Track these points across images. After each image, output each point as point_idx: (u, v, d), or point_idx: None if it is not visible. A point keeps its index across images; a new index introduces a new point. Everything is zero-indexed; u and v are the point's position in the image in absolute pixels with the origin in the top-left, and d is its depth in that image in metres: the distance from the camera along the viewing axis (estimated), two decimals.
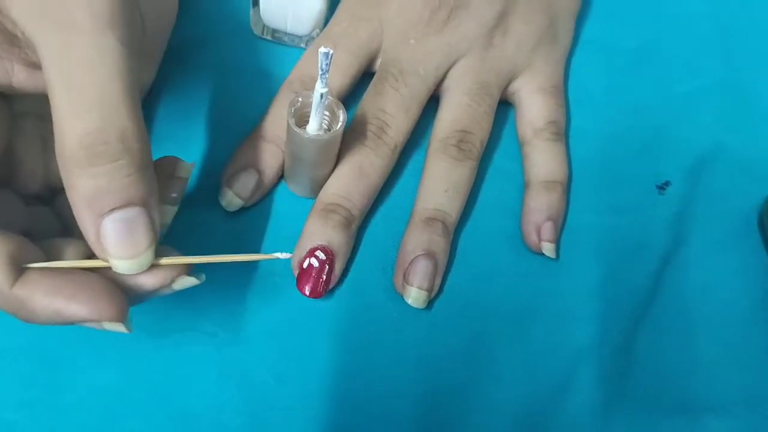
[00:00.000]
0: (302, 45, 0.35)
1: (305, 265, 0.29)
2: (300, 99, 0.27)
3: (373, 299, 0.31)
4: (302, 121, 0.27)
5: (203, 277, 0.24)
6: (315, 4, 0.33)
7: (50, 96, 0.20)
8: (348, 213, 0.30)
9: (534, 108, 0.35)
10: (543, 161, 0.34)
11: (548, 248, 0.32)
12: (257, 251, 0.31)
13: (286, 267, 0.31)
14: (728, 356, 0.32)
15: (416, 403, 0.30)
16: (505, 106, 0.36)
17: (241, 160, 0.31)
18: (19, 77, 0.23)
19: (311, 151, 0.28)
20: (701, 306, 0.33)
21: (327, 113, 0.28)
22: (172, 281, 0.23)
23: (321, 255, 0.29)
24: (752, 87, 0.40)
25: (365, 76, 0.34)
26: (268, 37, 0.35)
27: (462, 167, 0.32)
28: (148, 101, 0.33)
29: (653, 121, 0.38)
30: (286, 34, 0.35)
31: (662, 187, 0.36)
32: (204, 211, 0.31)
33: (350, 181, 0.31)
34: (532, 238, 0.33)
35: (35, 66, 0.23)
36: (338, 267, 0.30)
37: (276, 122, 0.31)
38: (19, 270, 0.21)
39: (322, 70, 0.25)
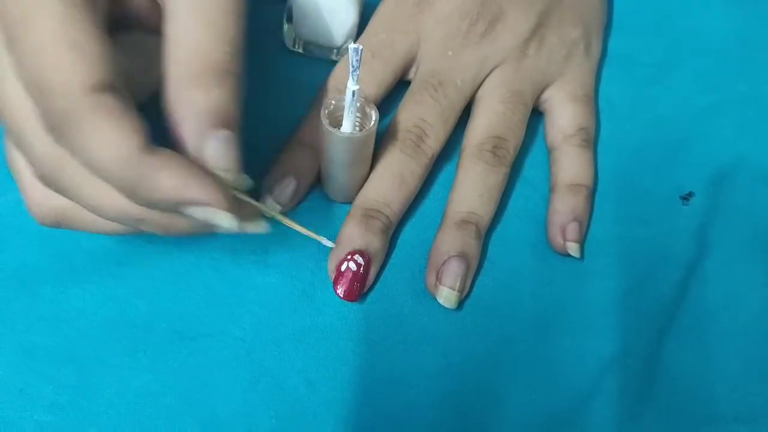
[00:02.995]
0: (334, 57, 0.36)
1: (343, 268, 0.30)
2: (333, 102, 0.28)
3: (401, 304, 0.31)
4: (336, 123, 0.28)
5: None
6: (348, 17, 0.34)
7: (177, 23, 0.22)
8: (387, 219, 0.31)
9: (565, 115, 0.35)
10: (570, 165, 0.34)
11: (573, 248, 0.32)
12: (292, 250, 0.31)
13: (315, 272, 0.31)
14: (754, 367, 0.32)
15: (443, 408, 0.29)
16: (531, 116, 0.36)
17: (280, 168, 0.32)
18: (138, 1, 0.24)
19: (345, 151, 0.28)
20: (726, 316, 0.33)
21: (359, 114, 0.28)
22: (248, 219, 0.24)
23: (359, 259, 0.30)
24: None
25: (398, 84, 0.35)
26: (301, 50, 0.36)
27: (496, 173, 0.32)
28: None
29: (675, 133, 0.38)
30: (318, 46, 0.35)
31: (686, 198, 0.35)
32: None
33: (390, 188, 0.31)
34: (558, 239, 0.33)
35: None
36: (373, 271, 0.30)
37: (311, 128, 0.32)
38: (149, 144, 0.21)
39: (353, 67, 0.25)
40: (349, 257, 0.30)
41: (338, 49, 0.35)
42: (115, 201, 0.22)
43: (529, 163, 0.36)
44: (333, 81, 0.33)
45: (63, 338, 0.29)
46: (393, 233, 0.32)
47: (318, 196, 0.33)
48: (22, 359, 0.28)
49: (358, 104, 0.27)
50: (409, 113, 0.32)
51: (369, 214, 0.30)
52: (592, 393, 0.30)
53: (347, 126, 0.27)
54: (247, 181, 0.25)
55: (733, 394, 0.31)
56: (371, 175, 0.31)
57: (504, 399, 0.30)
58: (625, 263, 0.33)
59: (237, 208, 0.23)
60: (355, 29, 0.35)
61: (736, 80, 0.40)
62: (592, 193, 0.34)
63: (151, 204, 0.22)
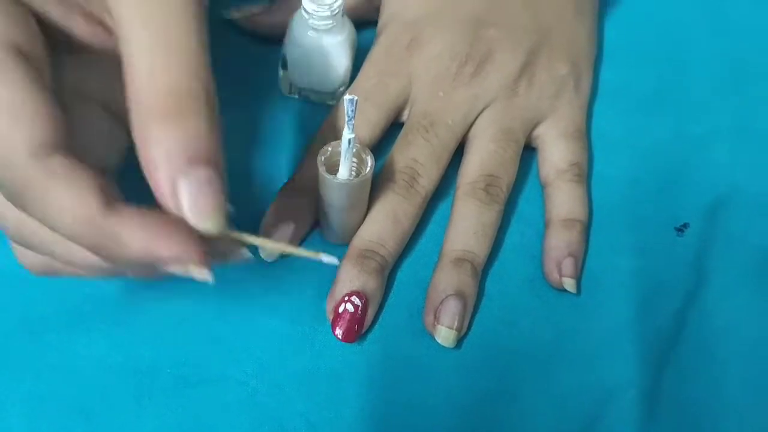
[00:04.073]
0: (330, 102, 0.37)
1: (341, 309, 0.30)
2: (330, 148, 0.29)
3: (401, 344, 0.31)
4: (333, 168, 0.29)
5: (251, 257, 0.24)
6: (341, 62, 0.35)
7: (130, 50, 0.20)
8: (382, 259, 0.31)
9: (557, 151, 0.36)
10: (564, 201, 0.34)
11: (569, 284, 0.33)
12: (291, 294, 0.32)
13: (315, 315, 0.31)
14: (756, 394, 0.32)
15: None
16: (524, 152, 0.36)
17: (277, 213, 0.32)
18: (82, 29, 0.22)
19: (342, 196, 0.29)
20: (726, 345, 0.33)
21: (355, 160, 0.29)
22: (230, 252, 0.23)
23: (356, 300, 0.30)
24: (767, 128, 0.40)
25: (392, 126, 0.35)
26: (296, 96, 0.37)
27: (489, 210, 0.33)
28: None
29: (669, 163, 0.38)
30: (313, 91, 0.36)
31: (681, 229, 0.36)
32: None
33: (385, 228, 0.31)
34: (554, 274, 0.33)
35: (95, 21, 0.22)
36: (371, 312, 0.31)
37: (308, 173, 0.33)
38: (110, 202, 0.19)
39: (348, 116, 0.26)
40: (346, 299, 0.30)
41: (333, 93, 0.36)
42: (89, 256, 0.21)
43: (523, 199, 0.36)
44: (327, 125, 0.34)
45: (70, 386, 0.29)
46: (390, 273, 0.33)
47: (315, 239, 0.33)
48: (30, 408, 0.28)
49: (354, 150, 0.28)
50: (401, 155, 0.33)
51: (364, 255, 0.31)
52: (594, 425, 0.30)
53: (344, 172, 0.28)
54: (231, 214, 0.23)
55: (736, 423, 0.31)
56: (367, 217, 0.32)
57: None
58: (623, 295, 0.34)
59: (217, 245, 0.22)
60: (349, 73, 0.35)
61: (728, 109, 0.41)
62: (587, 227, 0.35)
63: (122, 263, 0.21)
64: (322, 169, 0.28)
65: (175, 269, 0.20)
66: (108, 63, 0.23)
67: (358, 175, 0.29)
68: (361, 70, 0.35)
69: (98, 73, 0.23)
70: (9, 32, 0.19)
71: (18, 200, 0.20)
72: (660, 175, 0.38)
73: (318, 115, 0.36)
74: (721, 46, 0.44)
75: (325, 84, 0.36)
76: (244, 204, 0.33)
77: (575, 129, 0.36)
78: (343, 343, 0.30)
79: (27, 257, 0.25)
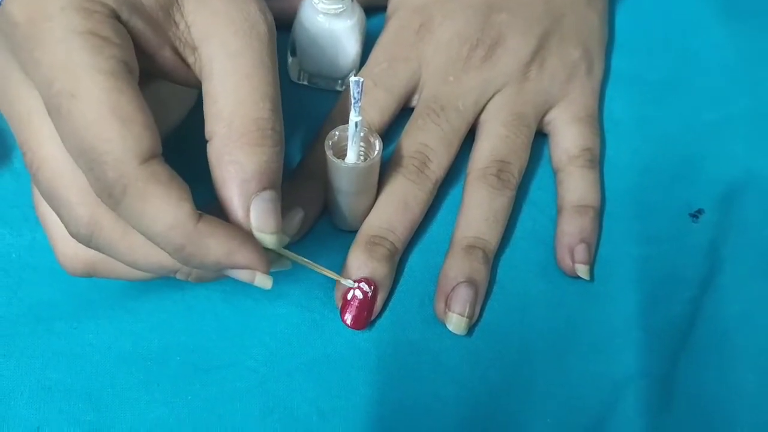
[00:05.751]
0: (339, 88, 0.37)
1: (349, 296, 0.30)
2: (337, 132, 0.28)
3: (412, 332, 0.31)
4: (340, 153, 0.28)
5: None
6: (351, 47, 0.34)
7: (217, 84, 0.23)
8: (392, 245, 0.31)
9: (569, 136, 0.35)
10: (576, 187, 0.34)
11: (582, 270, 0.32)
12: (301, 281, 0.32)
13: (325, 302, 0.31)
14: None
15: None
16: (536, 138, 0.36)
17: (287, 199, 0.31)
18: (168, 59, 0.24)
19: (350, 181, 0.29)
20: (740, 333, 0.32)
21: (363, 144, 0.29)
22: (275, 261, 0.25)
23: (365, 287, 0.30)
24: None
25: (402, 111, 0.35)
26: (305, 82, 0.37)
27: (501, 196, 0.32)
28: (187, 146, 0.34)
29: (683, 150, 0.38)
30: (322, 78, 0.36)
31: (695, 216, 0.35)
32: None
33: (394, 214, 0.31)
34: (566, 261, 0.32)
35: (179, 54, 0.24)
36: (380, 298, 0.30)
37: (316, 159, 0.33)
38: (198, 212, 0.22)
39: (354, 99, 0.26)
40: (355, 285, 0.30)
41: (342, 79, 0.36)
42: (151, 256, 0.23)
43: (535, 185, 0.36)
44: (337, 110, 0.34)
45: (79, 374, 0.29)
46: (401, 260, 0.32)
47: (324, 225, 0.33)
48: (38, 396, 0.28)
49: (362, 134, 0.27)
50: (411, 139, 0.33)
51: (373, 241, 0.31)
52: (607, 415, 0.30)
53: (351, 156, 0.28)
54: (284, 239, 0.26)
55: (750, 412, 0.31)
56: (376, 203, 0.32)
57: (519, 424, 0.30)
58: (637, 283, 0.33)
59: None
60: (359, 59, 0.35)
61: (742, 95, 0.40)
62: (599, 213, 0.34)
63: (198, 265, 0.22)
64: (329, 153, 0.28)
65: (243, 276, 0.23)
66: (155, 90, 0.26)
67: (366, 159, 0.29)
68: (370, 56, 0.35)
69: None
70: (119, 50, 0.21)
71: (115, 200, 0.21)
72: (673, 162, 0.37)
73: (327, 101, 0.36)
74: (732, 32, 0.43)
75: (334, 69, 0.35)
76: None
77: (587, 114, 0.36)
78: (353, 330, 0.30)
79: (73, 259, 0.26)
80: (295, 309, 0.31)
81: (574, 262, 0.32)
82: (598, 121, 0.37)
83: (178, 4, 0.23)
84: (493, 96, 0.35)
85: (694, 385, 0.31)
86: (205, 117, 0.23)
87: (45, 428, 0.28)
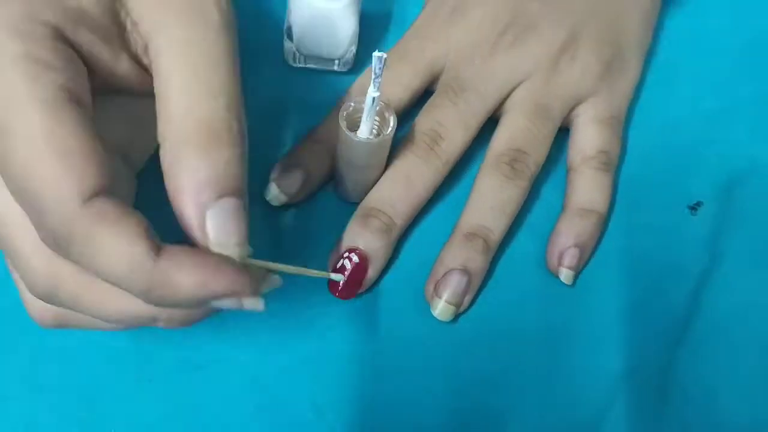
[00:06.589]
0: (336, 68, 0.36)
1: (338, 265, 0.30)
2: (352, 104, 0.28)
3: (410, 325, 0.31)
4: (354, 125, 0.28)
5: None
6: (347, 26, 0.33)
7: (168, 86, 0.20)
8: (389, 219, 0.30)
9: (587, 136, 0.34)
10: (584, 188, 0.33)
11: (565, 274, 0.32)
12: (298, 253, 0.32)
13: (320, 296, 0.31)
14: None
15: (451, 430, 0.29)
16: (559, 134, 0.35)
17: (290, 159, 0.32)
18: (124, 65, 0.22)
19: (361, 155, 0.29)
20: (739, 327, 0.32)
21: (377, 119, 0.28)
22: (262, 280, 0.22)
23: (354, 258, 0.30)
24: None
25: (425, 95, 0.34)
26: (302, 65, 0.36)
27: (512, 186, 0.32)
28: None
29: (684, 138, 0.37)
30: (320, 58, 0.35)
31: (694, 208, 0.35)
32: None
33: (395, 189, 0.31)
34: (553, 260, 0.32)
35: (138, 61, 0.22)
36: (372, 272, 0.30)
37: (329, 127, 0.32)
38: (156, 244, 0.19)
39: (375, 74, 0.25)
40: (345, 254, 0.30)
41: (340, 59, 0.35)
42: (123, 306, 0.21)
43: (548, 182, 0.35)
44: (357, 85, 0.34)
45: (70, 370, 0.28)
46: (399, 253, 0.32)
47: (330, 197, 0.33)
48: (28, 392, 0.28)
49: (377, 109, 0.27)
50: (425, 116, 0.32)
51: (370, 214, 0.30)
52: (604, 409, 0.30)
53: (364, 131, 0.27)
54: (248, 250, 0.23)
55: (748, 406, 0.31)
56: (381, 178, 0.31)
57: (514, 419, 0.29)
58: (635, 275, 0.33)
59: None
60: (356, 38, 0.34)
61: (744, 82, 0.39)
62: (604, 219, 0.33)
63: (172, 304, 0.20)
64: (342, 125, 0.28)
65: (228, 304, 0.20)
66: (129, 108, 0.23)
67: (378, 135, 0.28)
68: (404, 35, 0.35)
69: (116, 118, 0.23)
70: (60, 75, 0.19)
71: (63, 246, 0.19)
72: (674, 151, 0.37)
73: (326, 86, 0.35)
74: (734, 18, 0.42)
75: (331, 50, 0.34)
76: (250, 176, 0.32)
77: (611, 115, 0.35)
78: (339, 299, 0.30)
79: (41, 313, 0.24)
80: (289, 304, 0.30)
81: (559, 264, 0.32)
82: (621, 124, 0.36)
83: (121, 1, 0.21)
84: (519, 84, 0.34)
85: (690, 377, 0.31)
86: (157, 122, 0.21)
87: (36, 425, 0.27)
